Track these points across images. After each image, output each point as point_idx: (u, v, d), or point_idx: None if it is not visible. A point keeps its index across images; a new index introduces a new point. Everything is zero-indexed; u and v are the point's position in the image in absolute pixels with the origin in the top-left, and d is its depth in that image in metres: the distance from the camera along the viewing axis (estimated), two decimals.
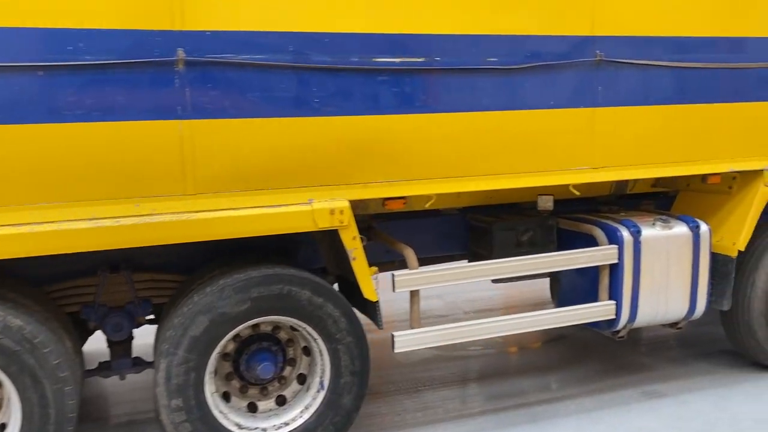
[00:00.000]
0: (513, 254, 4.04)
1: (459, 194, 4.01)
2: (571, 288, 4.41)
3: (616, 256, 3.99)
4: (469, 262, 4.46)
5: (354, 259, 3.42)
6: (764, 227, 4.52)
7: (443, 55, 3.48)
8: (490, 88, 3.60)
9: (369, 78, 3.36)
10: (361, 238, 3.54)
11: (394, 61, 3.39)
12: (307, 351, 3.61)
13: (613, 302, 4.04)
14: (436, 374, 4.81)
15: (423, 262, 4.51)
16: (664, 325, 4.37)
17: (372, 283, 3.49)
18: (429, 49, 3.45)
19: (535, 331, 4.21)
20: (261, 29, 3.16)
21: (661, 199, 4.94)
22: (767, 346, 4.51)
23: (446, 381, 4.69)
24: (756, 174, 4.32)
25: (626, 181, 4.60)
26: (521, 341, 5.49)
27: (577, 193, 3.96)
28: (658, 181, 4.74)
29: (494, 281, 4.31)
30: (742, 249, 4.30)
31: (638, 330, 5.07)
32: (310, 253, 4.07)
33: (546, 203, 4.27)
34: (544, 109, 3.72)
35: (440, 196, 3.90)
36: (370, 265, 3.74)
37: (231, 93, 3.14)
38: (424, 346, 3.68)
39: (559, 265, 4.02)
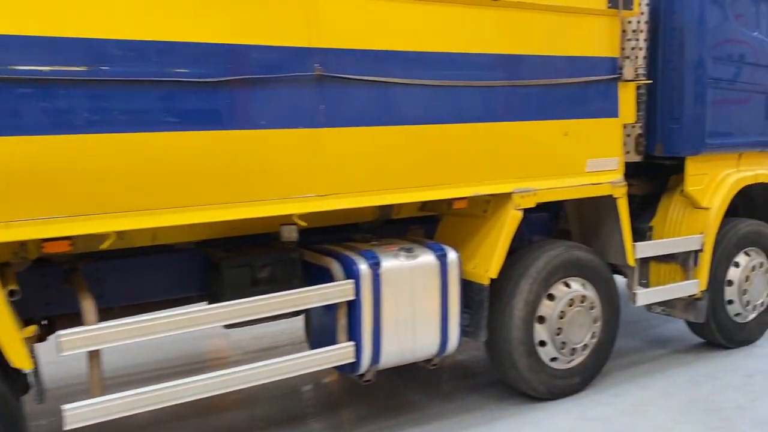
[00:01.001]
0: (248, 294, 3.53)
1: (192, 226, 3.41)
2: (319, 329, 3.96)
3: (353, 292, 3.58)
4: (209, 304, 3.88)
5: None
6: (521, 253, 4.36)
7: (114, 63, 2.87)
8: (179, 105, 3.03)
9: (4, 89, 2.67)
10: (11, 291, 2.83)
11: (41, 70, 2.73)
12: None
13: (352, 343, 3.62)
14: None
15: (156, 306, 3.92)
16: (419, 363, 4.04)
17: (23, 347, 2.77)
18: (93, 56, 2.83)
19: None
20: None
21: (434, 223, 4.66)
22: (529, 376, 4.31)
23: None
24: (506, 197, 4.13)
25: (391, 206, 4.24)
26: (306, 378, 4.92)
27: (303, 223, 3.50)
28: (425, 205, 4.43)
29: (227, 327, 3.75)
30: (494, 276, 4.07)
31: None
32: None
33: (290, 233, 3.77)
34: (253, 130, 3.23)
35: (165, 229, 3.34)
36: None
37: None
38: (106, 419, 3.00)
39: (285, 306, 3.52)
